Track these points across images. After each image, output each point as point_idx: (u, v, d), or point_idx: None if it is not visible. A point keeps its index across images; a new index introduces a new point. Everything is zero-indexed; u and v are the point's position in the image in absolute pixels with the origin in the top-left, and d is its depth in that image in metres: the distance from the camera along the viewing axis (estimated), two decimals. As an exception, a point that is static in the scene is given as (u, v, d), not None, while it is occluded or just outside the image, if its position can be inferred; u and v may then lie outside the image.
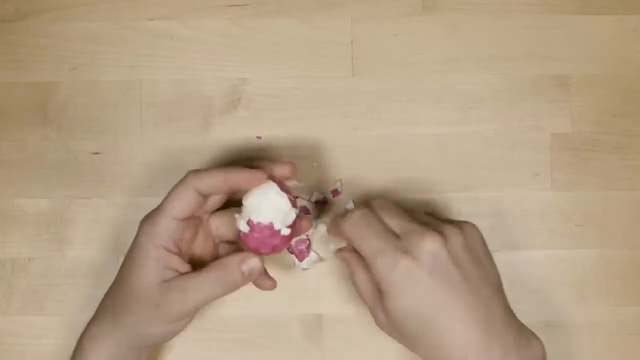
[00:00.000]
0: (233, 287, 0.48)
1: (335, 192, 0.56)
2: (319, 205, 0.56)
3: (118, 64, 0.56)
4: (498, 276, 0.48)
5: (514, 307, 0.56)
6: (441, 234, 0.45)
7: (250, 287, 0.50)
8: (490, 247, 0.55)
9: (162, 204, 0.48)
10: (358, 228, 0.47)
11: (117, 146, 0.56)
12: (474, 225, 0.48)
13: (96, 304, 0.54)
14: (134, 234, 0.48)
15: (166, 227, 0.47)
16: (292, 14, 0.56)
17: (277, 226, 0.47)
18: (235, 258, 0.48)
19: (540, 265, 0.56)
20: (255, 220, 0.47)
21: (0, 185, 0.56)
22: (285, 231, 0.47)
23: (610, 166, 0.56)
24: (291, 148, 0.56)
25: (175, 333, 0.49)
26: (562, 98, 0.56)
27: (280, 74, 0.56)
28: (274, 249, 0.48)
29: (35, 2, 0.56)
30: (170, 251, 0.47)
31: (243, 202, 0.48)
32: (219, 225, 0.51)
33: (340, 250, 0.51)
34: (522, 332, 0.46)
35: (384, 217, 0.47)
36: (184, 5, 0.56)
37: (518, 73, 0.56)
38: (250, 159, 0.51)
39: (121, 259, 0.49)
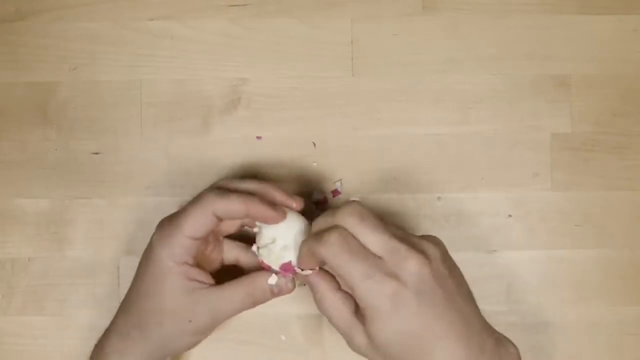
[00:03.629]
0: (262, 302, 0.49)
1: (335, 192, 0.56)
2: (319, 206, 0.56)
3: (118, 64, 0.56)
4: (468, 286, 0.47)
5: (514, 307, 0.56)
6: (422, 252, 0.44)
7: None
8: (490, 247, 0.56)
9: (179, 221, 0.47)
10: (336, 252, 0.43)
11: (117, 146, 0.56)
12: (440, 240, 0.46)
13: (96, 304, 0.54)
14: (134, 233, 0.48)
15: (182, 245, 0.47)
16: (292, 14, 0.56)
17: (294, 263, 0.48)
18: (265, 275, 0.49)
19: (540, 265, 0.56)
20: (281, 260, 0.48)
21: (0, 185, 0.56)
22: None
23: (610, 166, 0.56)
24: (291, 148, 0.56)
25: (200, 342, 0.50)
26: (562, 98, 0.56)
27: (280, 74, 0.56)
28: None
29: (35, 2, 0.56)
30: (190, 265, 0.48)
31: (264, 233, 0.49)
32: (233, 250, 0.52)
33: (304, 272, 0.48)
34: (498, 339, 0.46)
35: (361, 236, 0.44)
36: (184, 5, 0.56)
37: (518, 73, 0.56)
38: (252, 166, 0.51)
39: (122, 259, 0.49)
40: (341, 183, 0.56)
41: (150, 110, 0.56)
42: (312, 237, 0.45)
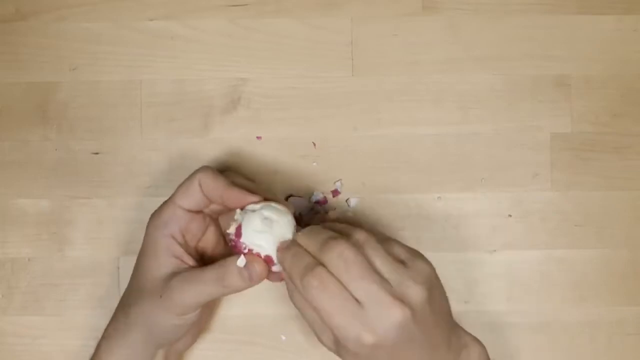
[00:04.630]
0: (233, 287, 0.47)
1: (335, 192, 0.56)
2: (319, 205, 0.56)
3: (118, 64, 0.56)
4: (449, 305, 0.47)
5: (514, 307, 0.56)
6: (406, 299, 0.42)
7: (250, 288, 0.49)
8: (490, 247, 0.56)
9: (171, 196, 0.49)
10: (316, 296, 0.43)
11: (117, 146, 0.56)
12: (432, 268, 0.45)
13: (96, 304, 0.54)
14: (134, 233, 0.48)
15: (172, 214, 0.48)
16: (292, 14, 0.56)
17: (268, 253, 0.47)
18: (234, 259, 0.46)
19: (540, 265, 0.56)
20: (252, 248, 0.47)
21: (0, 185, 0.56)
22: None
23: (610, 166, 0.56)
24: (291, 148, 0.56)
25: (183, 329, 0.48)
26: (562, 98, 0.56)
27: (280, 74, 0.56)
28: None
29: (35, 2, 0.56)
30: (175, 239, 0.48)
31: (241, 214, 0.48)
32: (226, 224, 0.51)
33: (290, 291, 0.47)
34: (462, 345, 0.46)
35: (344, 280, 0.43)
36: (184, 5, 0.56)
37: (518, 73, 0.56)
38: (252, 166, 0.51)
39: (122, 259, 0.49)
40: (341, 183, 0.56)
41: (150, 110, 0.56)
42: (294, 264, 0.44)
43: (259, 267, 0.46)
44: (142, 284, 0.48)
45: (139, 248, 0.50)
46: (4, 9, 0.56)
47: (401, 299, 0.42)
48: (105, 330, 0.50)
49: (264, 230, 0.46)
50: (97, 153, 0.56)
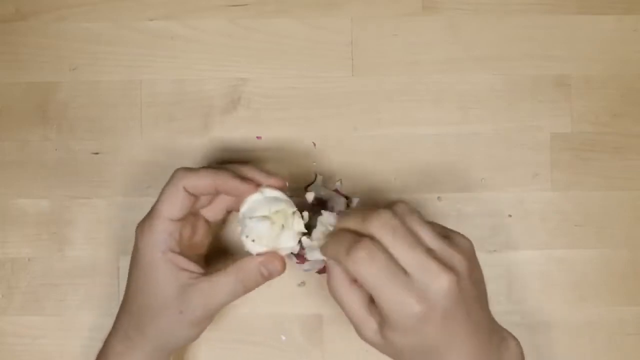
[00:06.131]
0: (253, 287, 0.48)
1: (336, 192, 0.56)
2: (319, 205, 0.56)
3: (118, 64, 0.56)
4: (485, 286, 0.47)
5: (514, 307, 0.56)
6: (452, 268, 0.43)
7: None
8: (490, 247, 0.56)
9: (155, 207, 0.48)
10: (363, 269, 0.42)
11: (117, 146, 0.56)
12: (471, 243, 0.46)
13: (96, 304, 0.54)
14: (134, 234, 0.48)
15: (165, 230, 0.47)
16: (292, 14, 0.56)
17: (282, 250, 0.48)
18: (255, 262, 0.47)
19: (540, 265, 0.56)
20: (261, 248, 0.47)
21: (0, 185, 0.56)
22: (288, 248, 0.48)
23: (610, 166, 0.56)
24: (291, 148, 0.56)
25: (199, 334, 0.49)
26: (562, 98, 0.56)
27: (280, 74, 0.56)
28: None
29: (35, 2, 0.56)
30: (174, 251, 0.47)
31: (241, 214, 0.48)
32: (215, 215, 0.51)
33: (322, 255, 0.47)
34: (502, 338, 0.47)
35: (391, 249, 0.43)
36: (184, 5, 0.56)
37: (518, 73, 0.56)
38: (250, 161, 0.51)
39: (122, 259, 0.49)
40: (341, 183, 0.56)
41: (150, 110, 0.56)
42: (338, 243, 0.44)
43: (279, 264, 0.48)
44: (154, 301, 0.47)
45: None
46: (4, 9, 0.56)
47: (448, 269, 0.43)
48: (113, 346, 0.49)
49: (274, 233, 0.47)
50: (97, 153, 0.56)
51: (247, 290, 0.48)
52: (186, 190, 0.47)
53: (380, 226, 0.43)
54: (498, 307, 0.55)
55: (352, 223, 0.45)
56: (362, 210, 0.45)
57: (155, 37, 0.56)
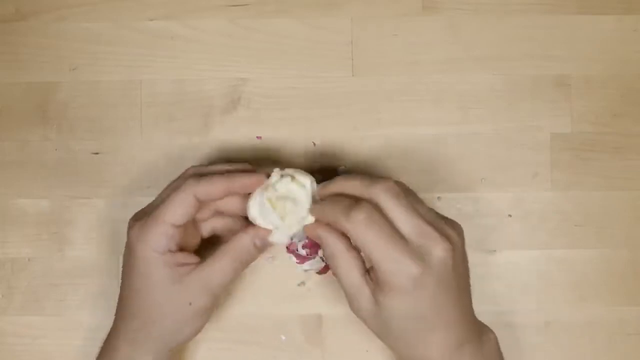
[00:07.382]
0: (250, 261, 0.48)
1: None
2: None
3: (118, 64, 0.56)
4: (469, 281, 0.48)
5: (514, 307, 0.56)
6: (449, 239, 0.44)
7: (250, 288, 0.49)
8: (490, 247, 0.56)
9: (159, 210, 0.47)
10: (362, 231, 0.43)
11: (117, 146, 0.56)
12: (461, 226, 0.47)
13: (96, 304, 0.54)
14: (127, 232, 0.48)
15: (165, 233, 0.47)
16: (292, 14, 0.56)
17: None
18: (247, 236, 0.48)
19: (540, 265, 0.56)
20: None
21: (0, 185, 0.56)
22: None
23: (610, 166, 0.56)
24: (291, 148, 0.56)
25: (202, 326, 0.49)
26: (562, 98, 0.56)
27: (280, 74, 0.56)
28: None
29: (35, 2, 0.56)
30: (174, 251, 0.47)
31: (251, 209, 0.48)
32: (208, 223, 0.52)
33: (312, 226, 0.47)
34: (480, 326, 0.48)
35: (392, 214, 0.44)
36: (184, 5, 0.56)
37: (518, 73, 0.56)
38: (250, 160, 0.51)
39: (122, 259, 0.49)
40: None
41: (150, 110, 0.56)
42: (336, 205, 0.45)
43: (267, 234, 0.48)
44: (157, 301, 0.47)
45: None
46: (4, 9, 0.56)
47: (445, 237, 0.44)
48: (116, 348, 0.48)
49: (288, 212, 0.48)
50: (97, 153, 0.56)
51: (245, 264, 0.48)
52: (196, 198, 0.47)
53: (384, 190, 0.44)
54: (498, 307, 0.55)
55: (353, 185, 0.46)
56: (363, 175, 0.46)
57: (155, 37, 0.56)
